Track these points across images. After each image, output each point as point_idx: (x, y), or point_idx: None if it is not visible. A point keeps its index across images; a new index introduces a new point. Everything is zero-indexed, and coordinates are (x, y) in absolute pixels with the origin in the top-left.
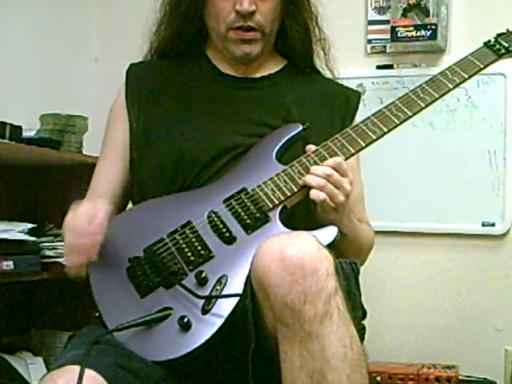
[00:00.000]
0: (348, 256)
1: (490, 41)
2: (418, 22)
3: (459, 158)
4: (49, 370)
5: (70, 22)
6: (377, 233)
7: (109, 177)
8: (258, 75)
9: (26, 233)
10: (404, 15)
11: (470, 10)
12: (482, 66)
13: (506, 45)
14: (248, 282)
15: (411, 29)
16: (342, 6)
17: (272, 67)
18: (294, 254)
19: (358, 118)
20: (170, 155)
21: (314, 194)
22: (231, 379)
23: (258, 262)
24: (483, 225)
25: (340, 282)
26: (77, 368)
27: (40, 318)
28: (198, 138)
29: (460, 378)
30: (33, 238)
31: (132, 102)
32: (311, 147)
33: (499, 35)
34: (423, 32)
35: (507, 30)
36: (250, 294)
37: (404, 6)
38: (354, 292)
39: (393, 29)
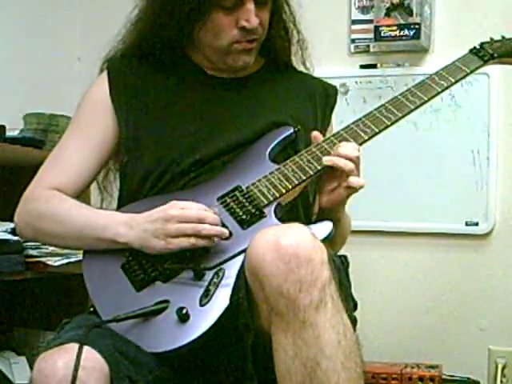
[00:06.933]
0: (336, 243)
1: (475, 48)
2: (402, 22)
3: (443, 158)
4: (42, 349)
5: (54, 21)
6: (360, 232)
7: (82, 167)
8: (241, 75)
9: (10, 232)
10: (387, 15)
11: (453, 9)
12: (468, 71)
13: (491, 51)
14: (241, 275)
15: (395, 28)
16: (325, 5)
17: (253, 66)
18: (288, 243)
19: (340, 117)
20: (163, 159)
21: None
22: (226, 371)
23: (252, 252)
24: (466, 224)
25: (333, 272)
26: (76, 346)
27: (23, 317)
28: (190, 142)
29: (443, 377)
30: (16, 238)
31: (118, 98)
32: (316, 134)
33: (484, 43)
34: (407, 31)
35: (491, 39)
36: (244, 286)
37: (387, 5)
38: (344, 284)
39: (376, 28)
